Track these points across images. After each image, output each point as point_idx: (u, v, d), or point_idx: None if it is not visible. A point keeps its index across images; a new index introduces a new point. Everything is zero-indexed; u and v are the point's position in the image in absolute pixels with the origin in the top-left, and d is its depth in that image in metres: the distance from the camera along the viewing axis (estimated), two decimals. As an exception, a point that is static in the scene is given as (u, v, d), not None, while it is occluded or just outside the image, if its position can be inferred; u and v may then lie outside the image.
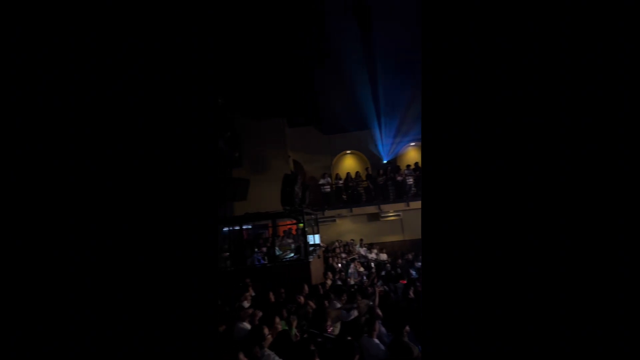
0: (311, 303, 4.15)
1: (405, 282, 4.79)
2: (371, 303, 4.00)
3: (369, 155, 11.41)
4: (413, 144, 11.54)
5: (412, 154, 11.67)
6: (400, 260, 8.09)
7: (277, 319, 3.41)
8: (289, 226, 8.10)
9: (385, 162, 11.13)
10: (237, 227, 6.54)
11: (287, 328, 3.47)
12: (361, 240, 9.83)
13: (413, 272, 6.82)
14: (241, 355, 2.43)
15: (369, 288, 4.58)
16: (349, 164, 11.87)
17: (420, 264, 6.74)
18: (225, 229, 7.11)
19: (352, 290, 4.59)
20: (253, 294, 4.63)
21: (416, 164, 10.36)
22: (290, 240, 7.48)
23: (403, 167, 10.27)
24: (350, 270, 6.73)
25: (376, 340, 3.08)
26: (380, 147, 11.16)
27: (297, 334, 3.45)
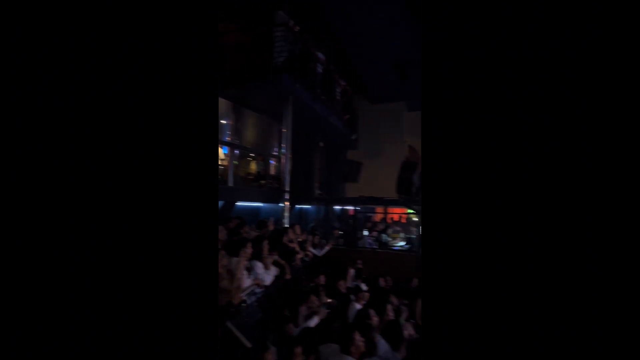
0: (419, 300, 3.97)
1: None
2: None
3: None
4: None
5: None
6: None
7: (389, 307, 3.40)
8: (398, 214, 7.89)
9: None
10: (350, 208, 6.74)
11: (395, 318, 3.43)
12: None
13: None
14: (356, 335, 2.51)
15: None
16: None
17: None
18: (338, 208, 7.42)
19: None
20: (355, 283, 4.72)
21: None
22: (399, 228, 7.30)
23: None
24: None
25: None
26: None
27: (408, 326, 3.38)
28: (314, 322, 3.02)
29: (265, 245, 3.63)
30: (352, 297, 3.60)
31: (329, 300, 3.61)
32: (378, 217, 7.38)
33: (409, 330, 2.96)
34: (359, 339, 2.46)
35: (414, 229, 6.01)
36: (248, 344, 2.54)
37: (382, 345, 2.69)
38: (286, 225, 5.34)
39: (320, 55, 7.08)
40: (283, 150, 5.99)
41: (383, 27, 7.63)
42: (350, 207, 7.29)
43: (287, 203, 5.77)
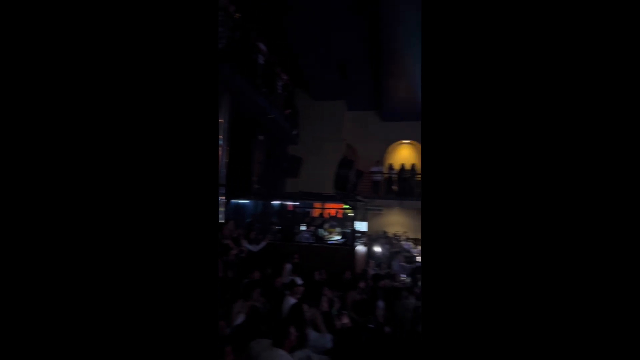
0: (354, 292, 4.18)
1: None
2: (417, 302, 3.91)
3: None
4: (407, 142, 10.76)
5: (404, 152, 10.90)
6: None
7: (324, 299, 3.50)
8: (335, 210, 8.15)
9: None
10: (289, 203, 6.74)
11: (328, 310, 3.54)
12: (405, 233, 9.58)
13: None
14: (291, 329, 2.53)
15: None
16: (405, 154, 11.44)
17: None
18: (277, 203, 7.36)
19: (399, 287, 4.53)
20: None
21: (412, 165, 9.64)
22: (335, 223, 7.55)
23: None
24: (393, 263, 6.63)
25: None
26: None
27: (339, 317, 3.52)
28: (240, 319, 2.97)
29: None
30: (287, 291, 3.61)
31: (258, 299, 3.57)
32: (316, 212, 7.51)
33: (342, 320, 3.08)
34: (293, 332, 2.49)
35: (349, 224, 6.26)
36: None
37: (312, 334, 2.77)
38: (221, 221, 5.12)
39: (262, 46, 6.89)
40: (220, 142, 5.71)
41: (327, 23, 7.73)
42: (289, 203, 7.27)
43: (222, 197, 5.53)
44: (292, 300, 3.51)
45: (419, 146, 11.17)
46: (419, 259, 7.11)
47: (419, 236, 9.83)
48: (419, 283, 4.77)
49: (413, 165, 10.03)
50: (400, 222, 10.52)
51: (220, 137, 5.70)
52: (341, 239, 6.17)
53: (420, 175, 9.77)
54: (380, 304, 3.88)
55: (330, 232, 6.82)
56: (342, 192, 5.84)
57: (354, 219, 6.11)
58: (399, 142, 11.48)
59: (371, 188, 9.85)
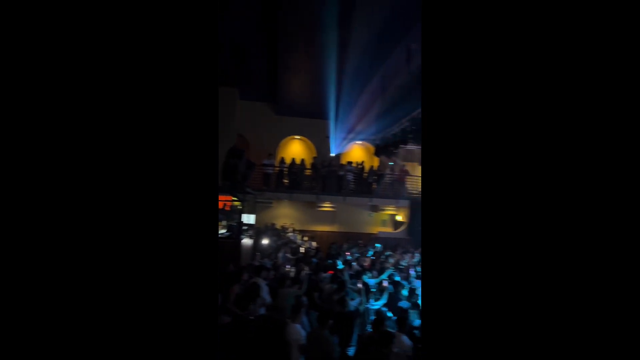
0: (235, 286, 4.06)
1: (332, 272, 4.99)
2: (298, 291, 4.07)
3: (318, 145, 11.49)
4: (360, 142, 11.94)
5: (357, 152, 12.08)
6: (330, 250, 8.39)
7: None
8: (223, 202, 7.76)
9: (333, 154, 11.33)
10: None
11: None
12: (292, 225, 9.92)
13: (340, 263, 7.14)
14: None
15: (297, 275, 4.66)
16: (296, 149, 11.80)
17: (349, 254, 7.06)
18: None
19: (279, 276, 4.62)
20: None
21: (362, 162, 10.75)
22: (222, 216, 7.18)
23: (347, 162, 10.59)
24: (279, 255, 6.75)
25: (298, 326, 3.15)
26: (332, 140, 11.30)
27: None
28: None
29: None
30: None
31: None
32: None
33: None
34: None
35: (236, 217, 6.05)
36: None
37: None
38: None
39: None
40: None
41: (222, 4, 7.19)
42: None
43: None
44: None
45: (310, 142, 11.70)
46: (302, 249, 7.44)
47: (305, 228, 10.33)
48: (303, 272, 4.99)
49: (303, 160, 10.44)
50: (289, 215, 10.81)
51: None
52: (227, 232, 5.91)
53: (309, 170, 10.25)
54: (264, 295, 3.88)
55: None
56: (231, 183, 5.58)
57: (241, 211, 5.93)
58: (291, 137, 11.76)
59: (262, 181, 9.79)
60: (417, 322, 3.48)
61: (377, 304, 4.07)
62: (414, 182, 10.80)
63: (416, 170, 11.22)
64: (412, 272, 5.30)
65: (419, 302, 3.91)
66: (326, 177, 10.10)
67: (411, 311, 3.71)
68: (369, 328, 3.12)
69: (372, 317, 3.58)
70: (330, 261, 5.97)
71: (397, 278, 4.82)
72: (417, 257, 6.90)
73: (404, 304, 3.99)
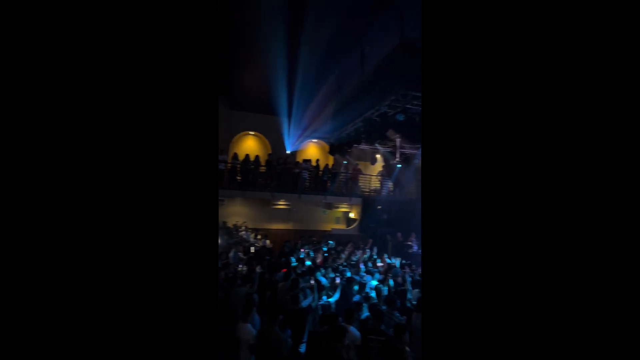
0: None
1: (285, 270, 4.98)
2: (250, 289, 4.00)
3: (273, 142, 11.34)
4: (315, 140, 12.03)
5: (312, 150, 12.16)
6: (283, 248, 8.34)
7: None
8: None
9: (288, 152, 11.26)
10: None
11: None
12: (245, 223, 9.70)
13: (293, 261, 7.13)
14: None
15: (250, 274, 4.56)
16: (250, 145, 11.52)
17: (303, 250, 7.07)
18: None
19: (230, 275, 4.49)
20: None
21: (317, 160, 10.84)
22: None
23: (303, 160, 10.60)
24: (230, 254, 6.55)
25: (249, 325, 3.10)
26: (286, 137, 11.21)
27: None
28: None
29: None
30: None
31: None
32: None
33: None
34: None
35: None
36: None
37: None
38: None
39: None
40: None
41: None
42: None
43: None
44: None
45: (264, 138, 11.50)
46: (252, 249, 7.29)
47: (259, 226, 10.14)
48: (257, 270, 4.90)
49: (257, 157, 10.23)
50: (242, 213, 10.53)
51: None
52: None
53: (264, 167, 10.08)
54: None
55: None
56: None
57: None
58: (245, 132, 11.45)
59: (213, 177, 9.38)
60: (366, 313, 3.62)
61: (330, 301, 4.15)
62: (366, 181, 11.19)
63: (368, 169, 11.63)
64: (362, 266, 5.49)
65: (372, 294, 4.08)
66: (281, 175, 10.02)
67: (363, 304, 3.85)
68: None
69: (320, 313, 3.65)
70: (283, 259, 5.94)
71: (349, 274, 4.96)
72: (367, 253, 7.16)
73: (356, 298, 4.13)
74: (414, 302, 3.85)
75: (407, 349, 2.59)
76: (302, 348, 3.29)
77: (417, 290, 4.29)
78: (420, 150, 10.10)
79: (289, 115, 10.64)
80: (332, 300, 4.15)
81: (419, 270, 5.84)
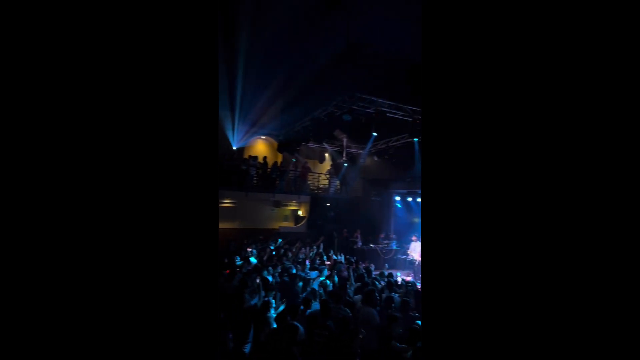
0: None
1: (229, 271, 4.83)
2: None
3: (219, 137, 10.87)
4: (263, 137, 11.83)
5: (260, 147, 11.94)
6: (228, 248, 8.07)
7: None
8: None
9: (234, 148, 10.89)
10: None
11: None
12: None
13: (238, 260, 6.95)
14: None
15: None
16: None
17: (250, 249, 6.93)
18: None
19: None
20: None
21: (265, 157, 10.66)
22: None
23: (249, 157, 10.35)
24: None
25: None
26: (230, 133, 10.82)
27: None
28: None
29: None
30: None
31: None
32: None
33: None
34: None
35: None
36: None
37: None
38: None
39: None
40: None
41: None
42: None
43: None
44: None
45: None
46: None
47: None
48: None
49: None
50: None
51: None
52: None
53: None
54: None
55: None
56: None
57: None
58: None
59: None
60: (316, 307, 3.68)
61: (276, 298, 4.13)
62: (315, 179, 11.33)
63: (317, 167, 11.79)
64: (307, 263, 5.57)
65: (320, 291, 4.16)
66: (227, 172, 9.67)
67: (311, 301, 3.90)
68: (274, 324, 3.15)
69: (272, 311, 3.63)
70: (226, 260, 5.76)
71: (294, 270, 5.00)
72: (314, 250, 7.28)
73: (303, 295, 4.17)
74: (352, 296, 4.02)
75: (354, 342, 2.68)
76: (247, 348, 3.24)
77: (358, 284, 4.49)
78: (365, 150, 10.54)
79: (232, 109, 10.25)
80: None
81: (362, 265, 6.12)
